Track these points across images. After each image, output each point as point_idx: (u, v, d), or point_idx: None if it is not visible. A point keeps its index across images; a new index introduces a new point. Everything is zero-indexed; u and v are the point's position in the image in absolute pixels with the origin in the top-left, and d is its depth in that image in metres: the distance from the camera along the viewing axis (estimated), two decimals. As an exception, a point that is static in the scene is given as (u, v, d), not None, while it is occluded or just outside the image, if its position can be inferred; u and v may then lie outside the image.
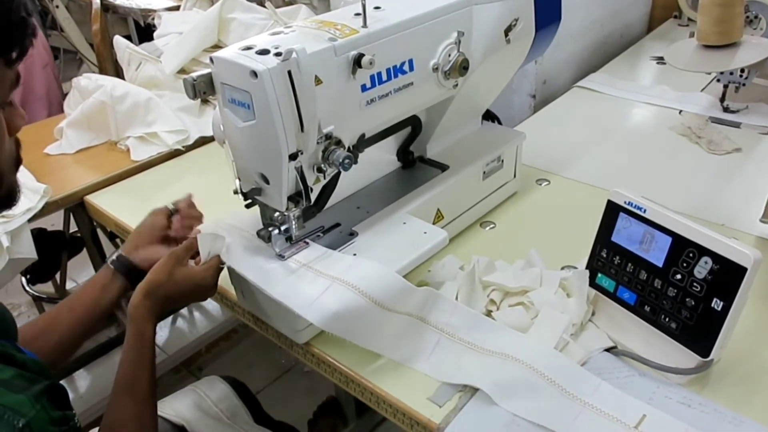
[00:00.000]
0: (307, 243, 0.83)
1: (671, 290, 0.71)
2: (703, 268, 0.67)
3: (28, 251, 1.15)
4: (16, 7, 0.57)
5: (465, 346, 0.76)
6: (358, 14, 0.77)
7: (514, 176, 1.10)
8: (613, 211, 0.76)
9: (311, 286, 0.75)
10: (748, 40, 1.28)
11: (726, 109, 1.37)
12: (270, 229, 0.80)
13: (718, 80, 1.36)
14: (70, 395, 1.81)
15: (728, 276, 0.65)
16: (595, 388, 0.70)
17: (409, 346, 0.77)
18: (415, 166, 1.03)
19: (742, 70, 1.30)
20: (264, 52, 0.68)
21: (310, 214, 0.82)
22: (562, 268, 0.89)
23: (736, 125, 1.32)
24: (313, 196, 0.81)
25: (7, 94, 0.60)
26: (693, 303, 0.69)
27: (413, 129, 1.00)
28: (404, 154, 1.02)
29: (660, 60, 1.68)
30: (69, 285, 1.95)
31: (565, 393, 0.69)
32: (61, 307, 0.85)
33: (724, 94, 1.38)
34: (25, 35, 0.59)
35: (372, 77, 0.77)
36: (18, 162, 0.66)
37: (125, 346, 0.76)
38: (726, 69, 1.28)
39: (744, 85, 1.32)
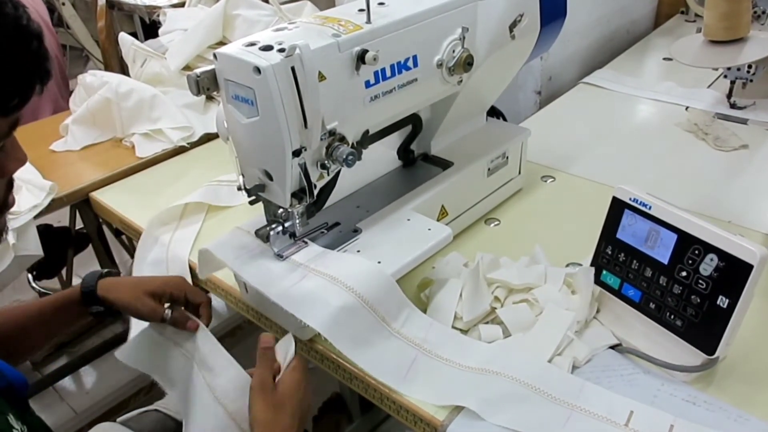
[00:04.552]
0: (306, 242, 0.83)
1: (676, 287, 0.70)
2: (708, 266, 0.67)
3: (34, 248, 1.15)
4: (17, 57, 0.51)
5: (443, 363, 0.74)
6: (361, 10, 0.77)
7: (519, 173, 1.09)
8: (618, 207, 0.76)
9: (307, 286, 0.75)
10: (756, 36, 1.27)
11: (733, 106, 1.36)
12: (271, 227, 0.80)
13: (725, 76, 1.35)
14: (77, 391, 1.82)
15: (734, 273, 0.65)
16: (579, 389, 0.70)
17: (389, 361, 0.74)
18: (416, 165, 1.03)
19: (749, 66, 1.29)
20: (267, 48, 0.68)
21: (310, 213, 0.82)
22: (567, 265, 0.89)
23: (743, 122, 1.32)
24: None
25: None
26: (698, 300, 0.68)
27: (414, 127, 1.00)
28: (405, 153, 1.02)
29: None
30: (75, 281, 1.95)
31: (552, 398, 0.69)
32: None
33: (731, 90, 1.37)
34: (26, 85, 0.54)
35: (376, 73, 0.77)
36: (5, 205, 0.62)
37: None
38: (733, 65, 1.27)
39: (751, 81, 1.31)
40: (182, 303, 0.84)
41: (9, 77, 0.52)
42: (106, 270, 0.85)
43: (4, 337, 0.82)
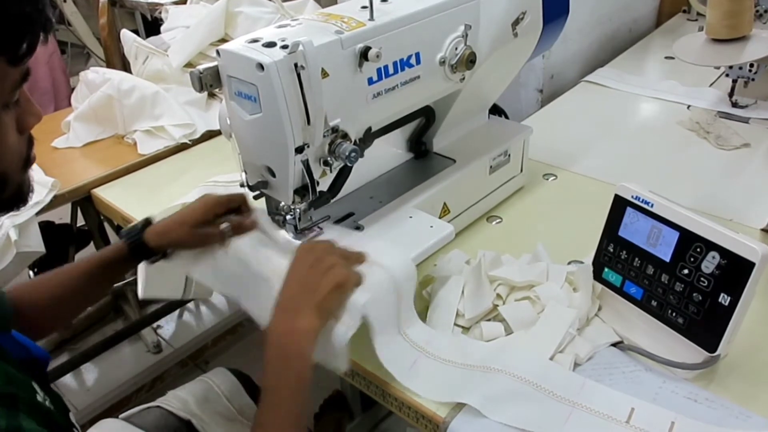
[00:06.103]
0: (321, 228, 0.83)
1: (678, 285, 0.70)
2: (710, 263, 0.67)
3: (36, 245, 1.15)
4: (16, 4, 0.53)
5: (445, 364, 0.74)
6: (364, 7, 0.77)
7: (521, 171, 1.10)
8: (620, 205, 0.76)
9: None
10: (758, 34, 1.26)
11: (735, 104, 1.36)
12: (284, 211, 0.80)
13: (727, 75, 1.35)
14: (78, 388, 1.82)
15: (736, 271, 0.65)
16: (581, 386, 0.70)
17: (394, 356, 0.74)
18: (427, 157, 1.03)
19: (751, 65, 1.29)
20: (270, 44, 0.68)
21: (325, 200, 0.82)
22: (569, 263, 0.88)
23: (745, 120, 1.32)
24: (327, 185, 0.81)
25: (10, 93, 0.57)
26: (700, 298, 0.68)
27: (426, 119, 1.00)
28: (416, 145, 1.02)
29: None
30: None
31: (554, 396, 0.69)
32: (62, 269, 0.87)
33: (732, 89, 1.37)
34: (32, 31, 0.55)
35: (379, 70, 0.77)
36: (28, 161, 0.64)
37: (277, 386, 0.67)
38: (735, 63, 1.27)
39: (753, 79, 1.31)
40: (224, 215, 0.83)
41: (13, 23, 0.53)
42: (144, 220, 0.84)
43: (53, 301, 0.85)
